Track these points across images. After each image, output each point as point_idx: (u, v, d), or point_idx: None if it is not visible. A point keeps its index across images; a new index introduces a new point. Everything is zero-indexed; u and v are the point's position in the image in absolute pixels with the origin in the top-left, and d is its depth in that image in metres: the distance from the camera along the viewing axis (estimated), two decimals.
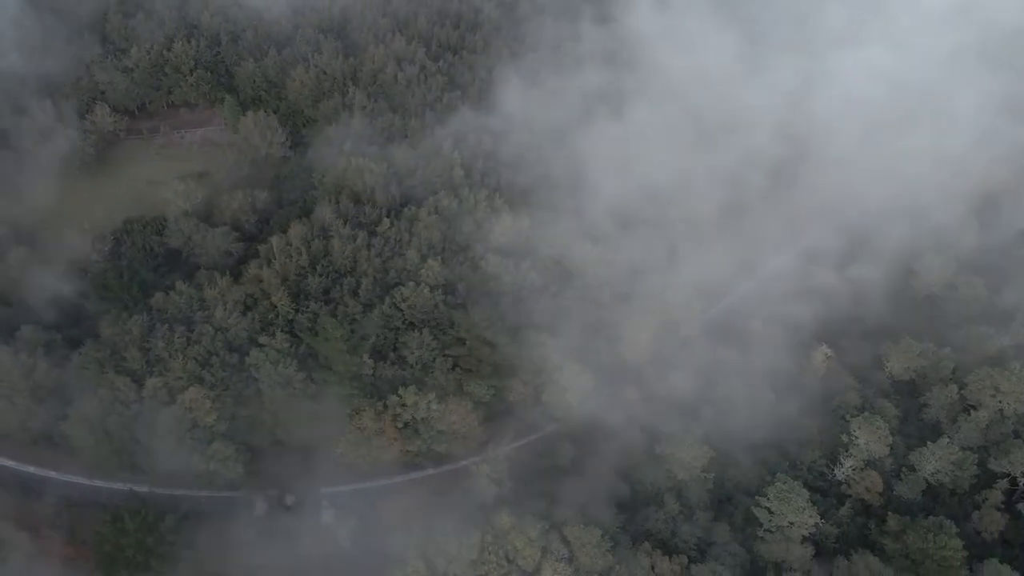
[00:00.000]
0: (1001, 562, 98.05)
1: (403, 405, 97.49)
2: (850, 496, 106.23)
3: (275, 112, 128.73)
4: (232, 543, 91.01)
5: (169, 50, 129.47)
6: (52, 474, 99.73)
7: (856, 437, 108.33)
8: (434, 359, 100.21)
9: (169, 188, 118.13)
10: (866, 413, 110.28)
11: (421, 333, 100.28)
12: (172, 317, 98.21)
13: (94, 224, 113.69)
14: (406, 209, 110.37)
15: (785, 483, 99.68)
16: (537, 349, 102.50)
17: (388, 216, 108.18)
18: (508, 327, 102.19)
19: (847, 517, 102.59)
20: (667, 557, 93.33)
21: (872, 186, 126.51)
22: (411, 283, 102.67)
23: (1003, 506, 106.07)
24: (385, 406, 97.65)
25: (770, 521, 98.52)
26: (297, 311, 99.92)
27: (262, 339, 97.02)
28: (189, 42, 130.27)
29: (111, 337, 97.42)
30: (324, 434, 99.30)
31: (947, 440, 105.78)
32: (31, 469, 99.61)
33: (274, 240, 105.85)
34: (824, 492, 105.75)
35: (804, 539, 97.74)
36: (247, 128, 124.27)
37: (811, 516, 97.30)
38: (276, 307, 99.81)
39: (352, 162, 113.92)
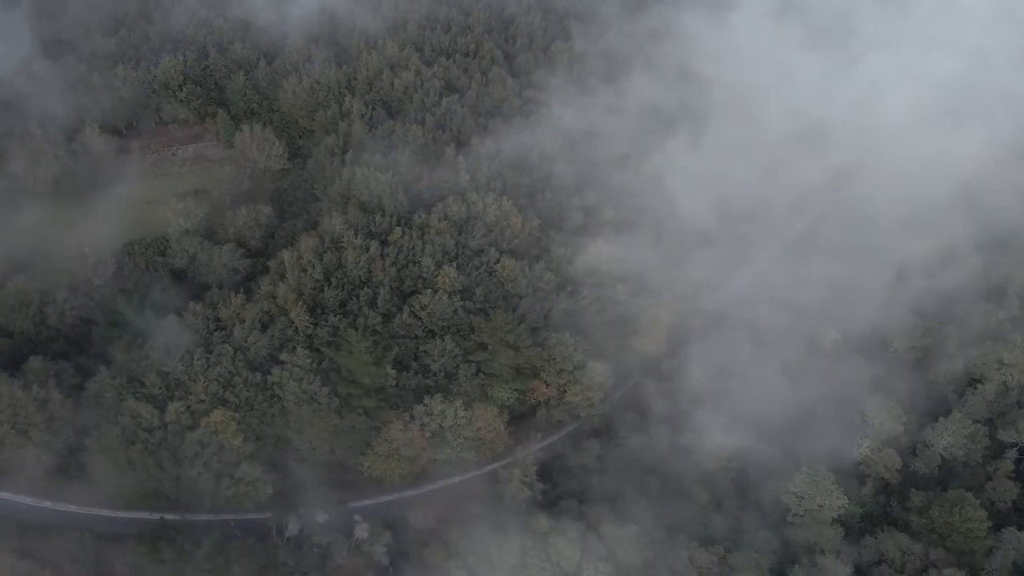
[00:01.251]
0: (1018, 530, 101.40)
1: (429, 414, 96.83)
2: (870, 476, 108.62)
3: (268, 125, 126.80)
4: (268, 565, 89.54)
5: (156, 66, 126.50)
6: (71, 508, 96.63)
7: (871, 417, 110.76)
8: (457, 366, 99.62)
9: (168, 207, 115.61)
10: (879, 394, 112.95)
11: (443, 340, 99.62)
12: (189, 339, 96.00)
13: (94, 248, 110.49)
14: (415, 216, 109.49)
15: (811, 467, 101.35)
16: (559, 349, 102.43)
17: (399, 224, 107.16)
18: (529, 329, 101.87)
19: (869, 496, 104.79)
20: (703, 548, 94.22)
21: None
22: (428, 291, 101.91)
23: (1013, 475, 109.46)
24: (412, 416, 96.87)
25: (799, 506, 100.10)
26: (316, 325, 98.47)
27: (283, 356, 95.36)
28: (176, 57, 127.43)
29: (126, 363, 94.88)
30: (350, 448, 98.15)
31: (959, 414, 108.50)
32: (47, 504, 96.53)
33: (286, 255, 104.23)
34: (844, 473, 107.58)
35: (833, 521, 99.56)
36: (244, 142, 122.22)
37: (839, 498, 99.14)
38: (294, 323, 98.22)
39: (357, 171, 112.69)
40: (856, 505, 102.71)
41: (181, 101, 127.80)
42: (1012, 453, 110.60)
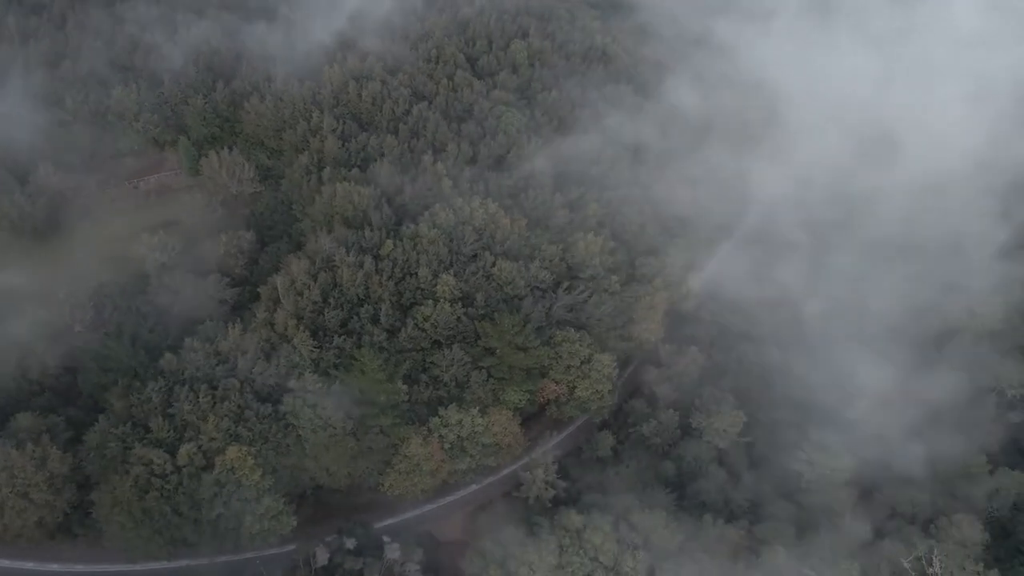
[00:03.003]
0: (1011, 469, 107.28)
1: (446, 425, 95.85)
2: (861, 433, 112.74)
3: (232, 148, 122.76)
4: None
5: (109, 97, 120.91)
6: (78, 568, 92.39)
7: (861, 378, 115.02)
8: (468, 374, 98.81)
9: (140, 242, 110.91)
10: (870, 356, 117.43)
11: (451, 349, 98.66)
12: (191, 377, 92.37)
13: (67, 293, 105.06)
14: (403, 227, 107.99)
15: (819, 433, 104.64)
16: (565, 345, 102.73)
17: (389, 237, 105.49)
18: (534, 329, 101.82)
19: (879, 458, 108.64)
20: (729, 525, 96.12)
21: None
22: (429, 301, 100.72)
23: None
24: (429, 430, 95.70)
25: (812, 471, 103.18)
26: (320, 348, 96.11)
27: (291, 384, 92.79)
28: (129, 86, 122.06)
29: (125, 409, 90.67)
30: (369, 470, 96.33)
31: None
32: (55, 567, 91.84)
33: (278, 280, 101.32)
34: (844, 433, 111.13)
35: (846, 482, 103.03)
36: (211, 168, 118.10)
37: (849, 460, 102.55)
38: (297, 348, 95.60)
39: (338, 187, 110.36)
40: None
41: (138, 131, 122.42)
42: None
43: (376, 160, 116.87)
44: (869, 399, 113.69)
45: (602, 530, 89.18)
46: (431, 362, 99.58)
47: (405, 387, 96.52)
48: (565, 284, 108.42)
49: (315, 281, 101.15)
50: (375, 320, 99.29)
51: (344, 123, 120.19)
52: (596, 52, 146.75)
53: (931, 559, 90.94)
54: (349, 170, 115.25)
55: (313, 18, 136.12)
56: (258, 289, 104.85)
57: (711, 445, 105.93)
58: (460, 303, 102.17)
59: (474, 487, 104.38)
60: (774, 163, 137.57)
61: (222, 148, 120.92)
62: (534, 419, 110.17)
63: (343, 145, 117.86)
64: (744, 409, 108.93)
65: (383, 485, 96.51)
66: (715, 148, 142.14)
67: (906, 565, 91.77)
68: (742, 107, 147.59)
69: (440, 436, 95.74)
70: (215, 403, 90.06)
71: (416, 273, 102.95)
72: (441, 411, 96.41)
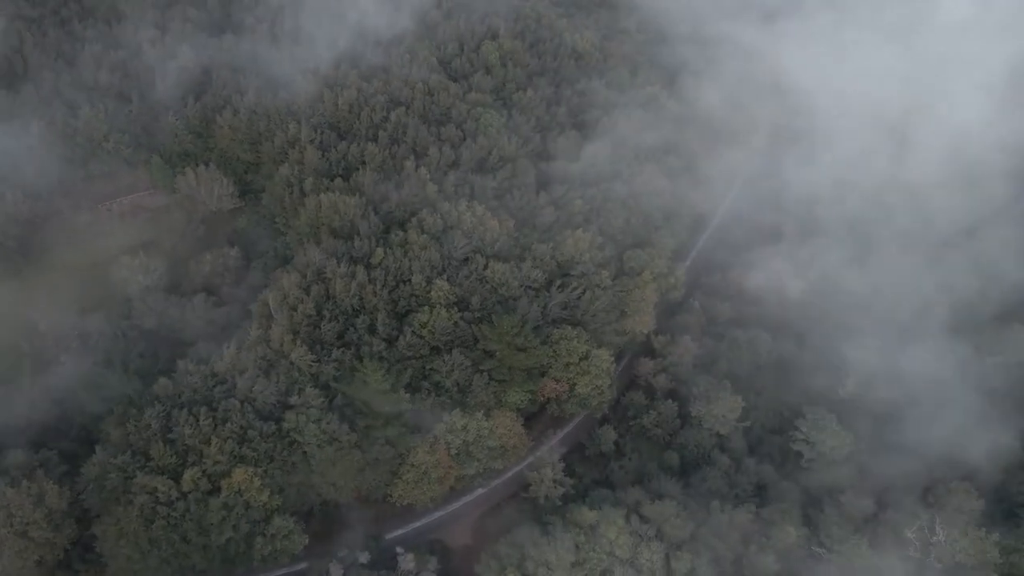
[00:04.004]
0: None
1: (452, 431, 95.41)
2: (862, 410, 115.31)
3: (207, 164, 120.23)
4: None
5: (76, 118, 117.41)
6: None
7: (848, 356, 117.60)
8: (470, 378, 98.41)
9: (120, 266, 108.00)
10: (853, 335, 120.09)
11: (451, 355, 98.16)
12: (189, 400, 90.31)
13: (49, 323, 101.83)
14: (392, 235, 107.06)
15: (815, 413, 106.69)
16: (563, 343, 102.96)
17: (379, 245, 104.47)
18: (532, 328, 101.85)
19: (874, 432, 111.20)
20: (737, 510, 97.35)
21: None
22: (425, 307, 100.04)
23: None
24: (435, 437, 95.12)
25: (811, 451, 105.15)
26: (319, 362, 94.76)
27: (292, 400, 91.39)
28: (96, 107, 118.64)
29: (123, 438, 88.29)
30: (376, 481, 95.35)
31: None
32: None
33: (270, 296, 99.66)
34: (837, 412, 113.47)
35: (846, 460, 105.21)
36: (188, 185, 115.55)
37: (847, 437, 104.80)
38: (295, 364, 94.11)
39: (323, 198, 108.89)
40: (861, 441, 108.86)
41: (109, 152, 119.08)
42: None
43: (358, 168, 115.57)
44: (858, 377, 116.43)
45: (616, 524, 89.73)
46: (431, 369, 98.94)
47: (408, 395, 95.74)
48: (558, 282, 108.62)
49: (308, 294, 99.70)
50: (372, 330, 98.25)
51: (322, 133, 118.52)
52: (566, 49, 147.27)
53: (934, 528, 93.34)
54: (332, 180, 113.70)
55: (281, 29, 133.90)
56: (249, 307, 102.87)
57: (711, 432, 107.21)
58: (456, 307, 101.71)
59: (480, 491, 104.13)
60: (755, 153, 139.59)
61: (197, 165, 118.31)
62: (534, 419, 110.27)
63: (323, 155, 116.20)
64: (740, 394, 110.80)
65: (391, 496, 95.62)
66: (691, 139, 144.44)
67: (910, 536, 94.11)
68: (720, 98, 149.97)
69: (446, 443, 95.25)
70: (216, 425, 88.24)
71: (409, 280, 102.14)
72: (445, 417, 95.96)
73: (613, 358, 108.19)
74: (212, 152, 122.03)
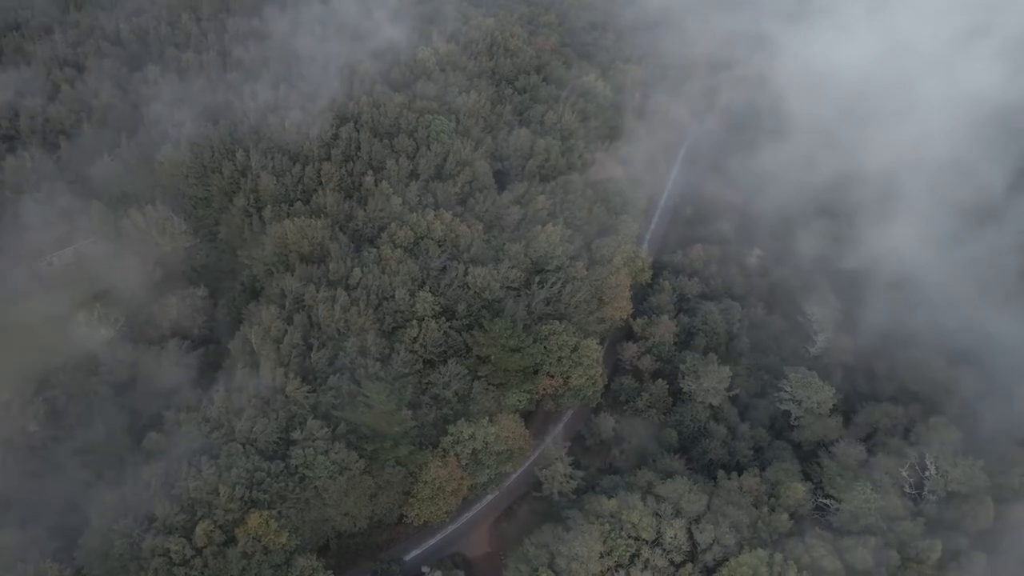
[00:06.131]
0: None
1: (459, 441, 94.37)
2: (835, 364, 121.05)
3: (154, 203, 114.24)
4: None
5: (1, 169, 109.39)
6: None
7: (813, 313, 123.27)
8: (470, 385, 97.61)
9: (77, 321, 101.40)
10: (815, 292, 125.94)
11: (447, 365, 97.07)
12: (187, 451, 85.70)
13: (12, 391, 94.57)
14: (365, 253, 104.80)
15: (797, 371, 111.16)
16: (553, 338, 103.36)
17: (355, 265, 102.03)
18: (522, 327, 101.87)
19: (841, 382, 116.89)
20: (739, 475, 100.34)
21: None
22: (413, 322, 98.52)
23: None
24: (444, 450, 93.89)
25: (799, 408, 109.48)
26: (315, 392, 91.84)
27: (295, 435, 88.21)
28: (22, 154, 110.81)
29: (121, 501, 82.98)
30: (390, 504, 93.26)
31: (895, 294, 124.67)
32: None
33: (252, 332, 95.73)
34: (812, 368, 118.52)
35: (832, 411, 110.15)
36: (136, 227, 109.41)
37: (828, 389, 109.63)
38: (289, 397, 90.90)
39: (288, 224, 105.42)
40: (839, 392, 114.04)
41: (42, 202, 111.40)
42: None
43: (316, 190, 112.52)
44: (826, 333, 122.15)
45: (636, 508, 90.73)
46: (428, 382, 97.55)
47: (410, 412, 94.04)
48: (537, 279, 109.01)
49: (291, 325, 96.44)
50: (364, 352, 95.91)
51: (273, 158, 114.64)
52: (498, 48, 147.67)
53: (924, 464, 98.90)
54: (291, 205, 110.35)
55: (208, 56, 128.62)
56: (227, 346, 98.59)
57: (704, 405, 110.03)
58: (443, 317, 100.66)
59: (489, 497, 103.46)
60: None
61: (143, 205, 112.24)
62: (529, 418, 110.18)
63: (278, 180, 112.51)
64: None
65: (407, 516, 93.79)
66: (632, 124, 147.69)
67: (904, 474, 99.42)
68: (652, 81, 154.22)
69: (456, 454, 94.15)
70: (221, 473, 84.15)
71: (393, 296, 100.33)
72: (451, 428, 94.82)
73: (601, 347, 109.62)
74: (156, 190, 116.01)
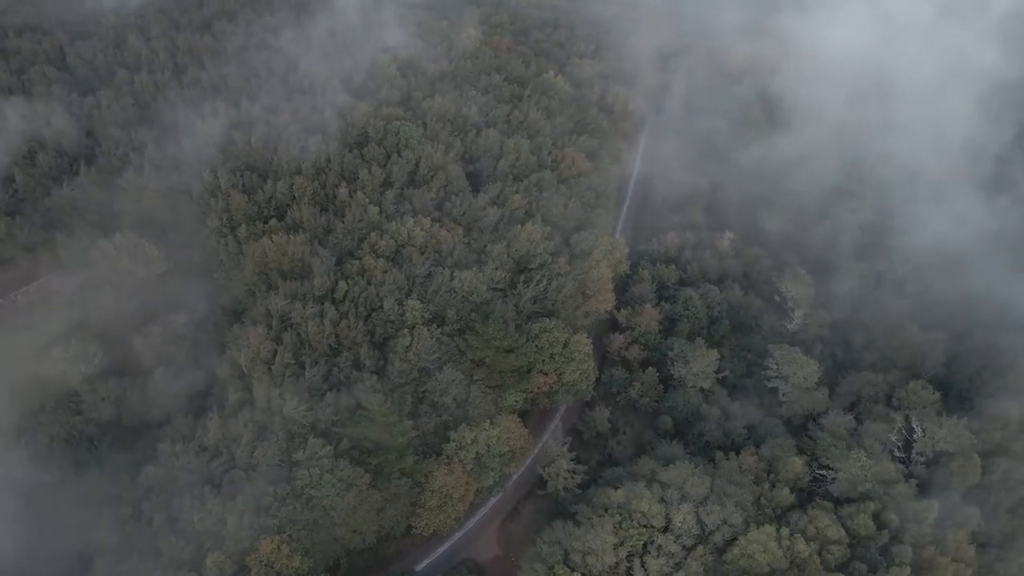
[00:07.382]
0: None
1: (462, 446, 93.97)
2: (813, 339, 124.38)
3: (121, 231, 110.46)
4: None
5: None
6: None
7: (788, 291, 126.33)
8: (467, 390, 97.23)
9: (52, 360, 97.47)
10: (788, 269, 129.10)
11: (443, 372, 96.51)
12: (186, 483, 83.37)
13: None
14: (347, 265, 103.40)
15: (780, 348, 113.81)
16: (544, 335, 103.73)
17: (340, 279, 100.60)
18: (514, 328, 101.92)
19: (826, 355, 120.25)
20: (737, 455, 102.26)
21: None
22: (404, 331, 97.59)
23: None
24: (448, 457, 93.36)
25: (786, 384, 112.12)
26: (312, 411, 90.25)
27: (297, 456, 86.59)
28: None
29: (123, 544, 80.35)
30: (397, 516, 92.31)
31: (864, 266, 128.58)
32: None
33: (241, 355, 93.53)
34: (792, 344, 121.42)
35: (817, 385, 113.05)
36: (108, 257, 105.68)
37: (812, 363, 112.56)
38: (287, 418, 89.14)
39: (265, 242, 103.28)
40: (821, 366, 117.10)
41: (2, 239, 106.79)
42: None
43: (290, 205, 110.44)
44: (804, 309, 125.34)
45: (644, 497, 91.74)
46: (425, 390, 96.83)
47: (411, 422, 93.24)
48: (522, 278, 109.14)
49: (280, 344, 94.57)
50: (358, 366, 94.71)
51: (242, 175, 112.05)
52: (457, 52, 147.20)
53: (911, 427, 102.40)
54: (266, 222, 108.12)
55: (162, 75, 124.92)
56: (215, 371, 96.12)
57: (695, 389, 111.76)
58: (434, 324, 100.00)
59: (493, 500, 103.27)
60: None
61: (111, 234, 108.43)
62: (525, 417, 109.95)
63: (250, 199, 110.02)
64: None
65: (416, 527, 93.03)
66: (595, 116, 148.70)
67: (893, 439, 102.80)
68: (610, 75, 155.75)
69: (460, 460, 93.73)
70: (226, 501, 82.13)
71: (381, 307, 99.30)
72: (453, 434, 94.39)
73: (588, 340, 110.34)
74: (121, 217, 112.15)
